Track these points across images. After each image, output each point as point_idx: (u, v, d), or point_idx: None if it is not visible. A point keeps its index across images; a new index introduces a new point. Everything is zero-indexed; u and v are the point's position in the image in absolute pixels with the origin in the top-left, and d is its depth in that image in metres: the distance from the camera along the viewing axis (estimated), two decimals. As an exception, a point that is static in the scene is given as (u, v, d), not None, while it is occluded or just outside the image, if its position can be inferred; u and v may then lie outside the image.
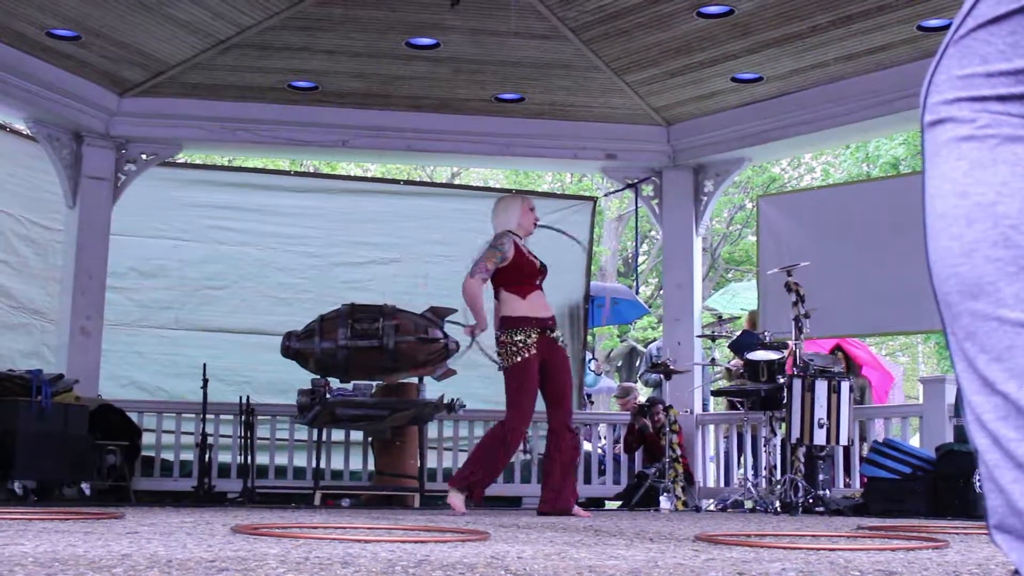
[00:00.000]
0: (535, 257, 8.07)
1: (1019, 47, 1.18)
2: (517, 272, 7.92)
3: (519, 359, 7.77)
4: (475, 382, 11.48)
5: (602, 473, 12.26)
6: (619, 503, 11.43)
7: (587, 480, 12.04)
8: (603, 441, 12.69)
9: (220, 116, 11.53)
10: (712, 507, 11.07)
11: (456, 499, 7.78)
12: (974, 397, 1.19)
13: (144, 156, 11.55)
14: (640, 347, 19.07)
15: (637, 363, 17.23)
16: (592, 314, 13.93)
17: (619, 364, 19.12)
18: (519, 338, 7.80)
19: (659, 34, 9.94)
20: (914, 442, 10.66)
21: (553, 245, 13.07)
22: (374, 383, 10.17)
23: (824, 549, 4.01)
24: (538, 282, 8.04)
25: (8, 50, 10.08)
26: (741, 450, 11.43)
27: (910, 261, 10.36)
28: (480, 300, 7.94)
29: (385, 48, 10.36)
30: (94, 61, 10.53)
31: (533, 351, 7.79)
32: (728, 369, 11.84)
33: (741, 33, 9.87)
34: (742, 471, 11.14)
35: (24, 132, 11.53)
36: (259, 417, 10.77)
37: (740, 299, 16.24)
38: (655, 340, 16.24)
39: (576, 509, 8.05)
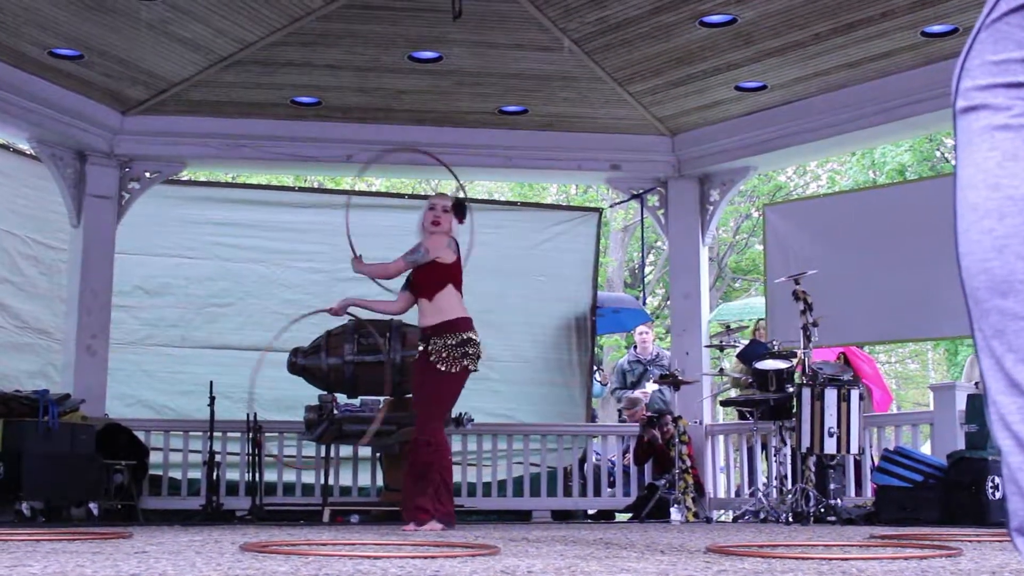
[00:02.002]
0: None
1: None
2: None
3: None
4: (481, 395, 11.48)
5: (612, 485, 12.23)
6: (629, 515, 11.41)
7: (597, 492, 12.03)
8: (613, 454, 12.67)
9: (223, 133, 11.55)
10: (727, 516, 11.05)
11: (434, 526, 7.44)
12: (999, 397, 1.17)
13: (148, 174, 11.57)
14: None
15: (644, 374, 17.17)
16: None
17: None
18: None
19: (662, 44, 9.94)
20: (925, 449, 10.63)
21: (556, 257, 13.14)
22: (381, 398, 10.16)
23: (837, 559, 4.00)
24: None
25: (11, 70, 10.10)
26: (752, 460, 11.41)
27: (919, 267, 10.36)
28: (383, 270, 8.00)
29: (388, 62, 10.37)
30: (97, 80, 10.55)
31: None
32: (735, 378, 11.82)
33: (744, 42, 9.87)
34: (765, 480, 11.10)
35: (28, 152, 11.55)
36: (267, 434, 10.77)
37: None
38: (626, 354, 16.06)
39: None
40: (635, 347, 13.93)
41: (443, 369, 7.59)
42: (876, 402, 11.98)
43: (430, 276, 7.75)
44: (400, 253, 7.91)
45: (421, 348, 7.75)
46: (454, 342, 7.63)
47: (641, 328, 14.13)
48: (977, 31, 1.22)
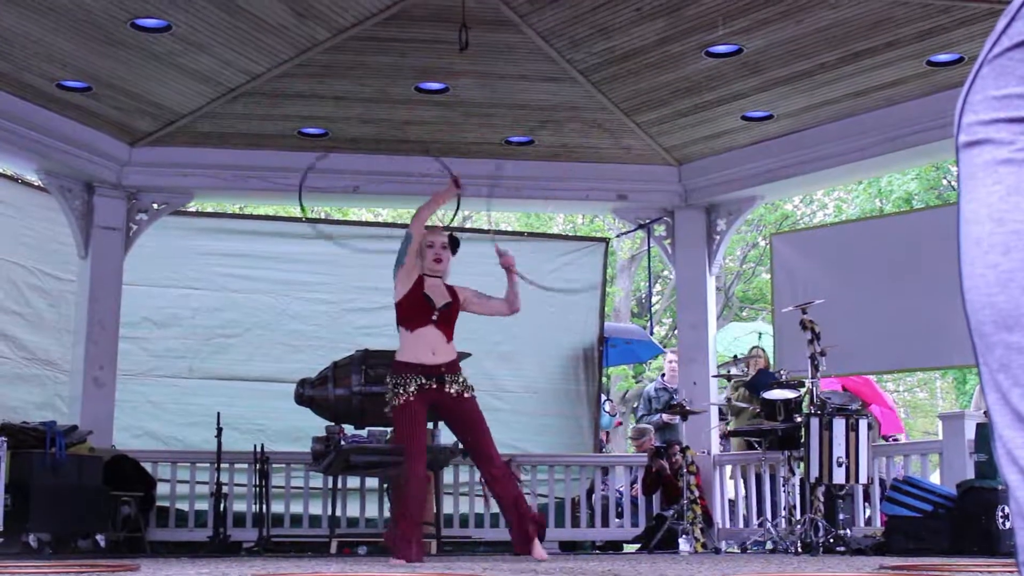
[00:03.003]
0: (438, 295, 7.72)
1: None
2: (406, 307, 7.66)
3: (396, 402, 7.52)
4: (491, 426, 11.43)
5: (620, 515, 12.21)
6: (638, 546, 11.38)
7: (605, 523, 12.00)
8: (621, 484, 12.64)
9: (231, 164, 11.58)
10: (736, 547, 11.01)
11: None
12: (1006, 431, 1.17)
13: (156, 205, 11.60)
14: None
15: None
16: (605, 354, 13.93)
17: (635, 405, 19.08)
18: (399, 381, 7.55)
19: (668, 74, 9.97)
20: (934, 479, 10.61)
21: (563, 287, 13.13)
22: (389, 429, 10.15)
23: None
24: (434, 319, 7.61)
25: (19, 102, 10.15)
26: (760, 490, 11.38)
27: (926, 296, 10.36)
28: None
29: (394, 93, 10.41)
30: (105, 112, 10.59)
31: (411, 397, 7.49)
32: (740, 407, 11.80)
33: (750, 72, 9.89)
34: (762, 512, 11.07)
35: (36, 183, 11.59)
36: (274, 465, 10.76)
37: (742, 341, 16.15)
38: (653, 380, 16.17)
39: (534, 548, 7.63)
40: (663, 375, 14.01)
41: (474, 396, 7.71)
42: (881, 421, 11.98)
43: (451, 316, 7.73)
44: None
45: (434, 386, 7.54)
46: (463, 377, 7.71)
47: (671, 356, 14.17)
48: (979, 66, 1.24)
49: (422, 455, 7.62)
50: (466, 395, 7.63)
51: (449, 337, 7.68)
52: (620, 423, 19.59)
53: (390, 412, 7.57)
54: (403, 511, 7.52)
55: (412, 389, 7.46)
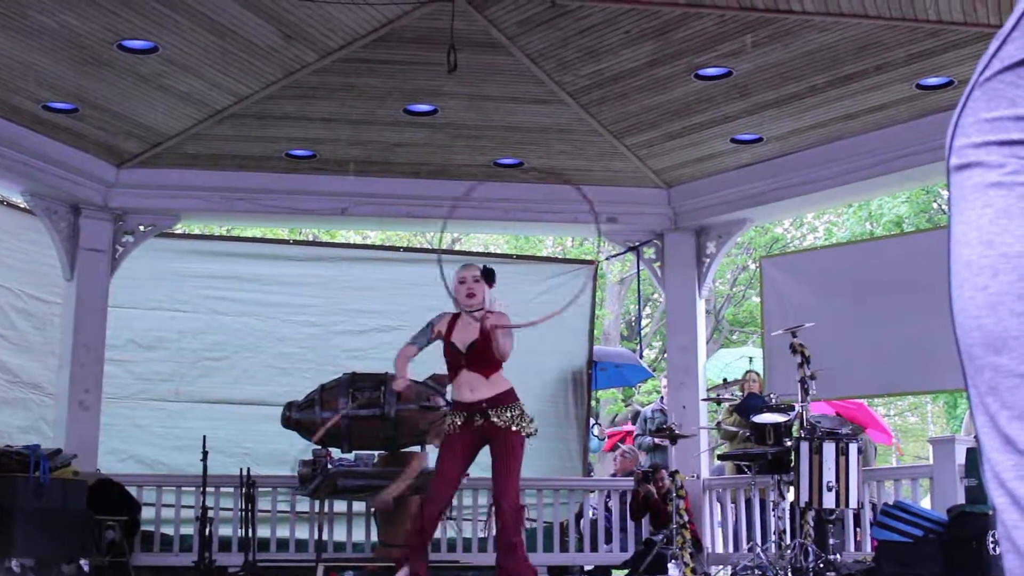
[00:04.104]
0: (464, 336, 7.85)
1: None
2: (446, 359, 7.96)
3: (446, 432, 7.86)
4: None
5: (608, 540, 12.18)
6: (626, 571, 11.35)
7: (594, 548, 11.97)
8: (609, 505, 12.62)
9: (218, 186, 11.57)
10: (725, 572, 11.00)
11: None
12: (994, 455, 1.17)
13: (142, 227, 11.58)
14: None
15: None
16: (595, 377, 13.93)
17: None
18: (447, 416, 7.97)
19: (657, 97, 9.99)
20: (925, 504, 10.60)
21: (552, 310, 13.10)
22: (376, 453, 10.13)
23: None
24: (463, 364, 7.81)
25: (4, 124, 10.13)
26: (750, 515, 11.37)
27: (917, 320, 10.36)
28: (399, 361, 7.97)
29: (383, 115, 10.42)
30: (91, 133, 10.58)
31: (455, 430, 7.77)
32: (729, 431, 11.80)
33: (740, 95, 9.92)
34: (752, 536, 11.06)
35: (21, 205, 11.57)
36: (260, 489, 10.73)
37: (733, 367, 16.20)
38: (650, 403, 16.28)
39: None
40: (661, 398, 14.08)
41: (524, 435, 7.84)
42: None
43: (480, 355, 7.80)
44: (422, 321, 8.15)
45: (481, 421, 7.73)
46: (519, 411, 7.86)
47: (665, 380, 14.25)
48: (971, 89, 1.24)
49: (446, 483, 7.87)
50: (513, 428, 7.76)
51: (487, 375, 7.83)
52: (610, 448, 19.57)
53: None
54: (416, 528, 7.88)
55: (458, 423, 7.75)
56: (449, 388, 8.10)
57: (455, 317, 7.93)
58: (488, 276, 7.97)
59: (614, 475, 13.93)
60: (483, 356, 7.79)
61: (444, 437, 7.86)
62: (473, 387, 7.77)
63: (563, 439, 13.35)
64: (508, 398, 7.85)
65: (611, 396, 25.60)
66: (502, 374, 7.94)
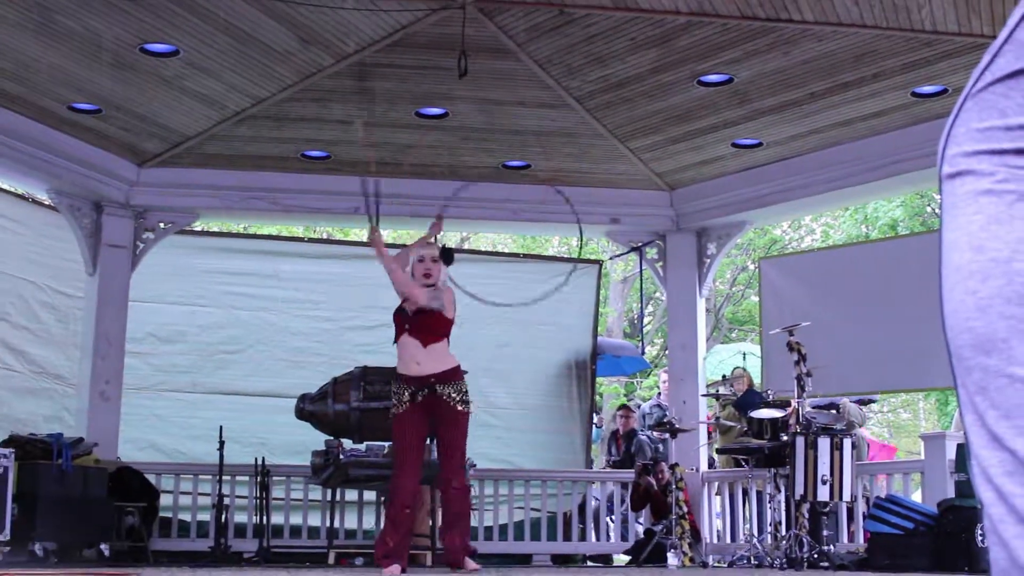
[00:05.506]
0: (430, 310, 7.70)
1: None
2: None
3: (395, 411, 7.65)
4: (484, 441, 11.46)
5: (611, 513, 12.20)
6: (627, 559, 11.36)
7: (596, 537, 11.99)
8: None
9: (236, 185, 11.59)
10: (723, 561, 11.01)
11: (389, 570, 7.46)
12: (981, 451, 1.18)
13: (162, 224, 11.60)
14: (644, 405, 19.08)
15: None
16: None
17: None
18: (395, 389, 7.69)
19: (661, 102, 10.00)
20: (916, 497, 10.60)
21: (558, 307, 13.14)
22: (386, 444, 10.14)
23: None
24: (407, 328, 7.68)
25: (31, 124, 10.16)
26: (746, 506, 11.37)
27: (911, 320, 10.36)
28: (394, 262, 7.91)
29: (395, 118, 10.43)
30: (114, 133, 10.61)
31: (404, 407, 7.58)
32: (728, 426, 11.80)
33: (740, 101, 9.92)
34: (748, 526, 11.07)
35: (45, 202, 11.60)
36: (274, 478, 10.75)
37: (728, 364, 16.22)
38: (648, 399, 16.32)
39: (466, 562, 7.75)
40: (660, 393, 14.11)
41: (469, 412, 7.68)
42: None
43: (436, 325, 7.71)
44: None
45: (425, 393, 7.60)
46: (465, 388, 7.71)
47: (664, 376, 14.27)
48: (963, 100, 1.25)
49: (410, 467, 7.65)
50: (459, 408, 7.64)
51: (426, 343, 7.65)
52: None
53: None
54: (389, 522, 7.67)
55: (406, 399, 7.58)
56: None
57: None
58: (447, 256, 7.93)
59: (615, 433, 14.01)
60: (428, 326, 7.69)
61: (397, 416, 7.62)
62: (417, 359, 7.61)
63: (567, 432, 13.36)
64: (454, 375, 7.72)
65: (614, 391, 25.61)
66: (447, 347, 7.79)
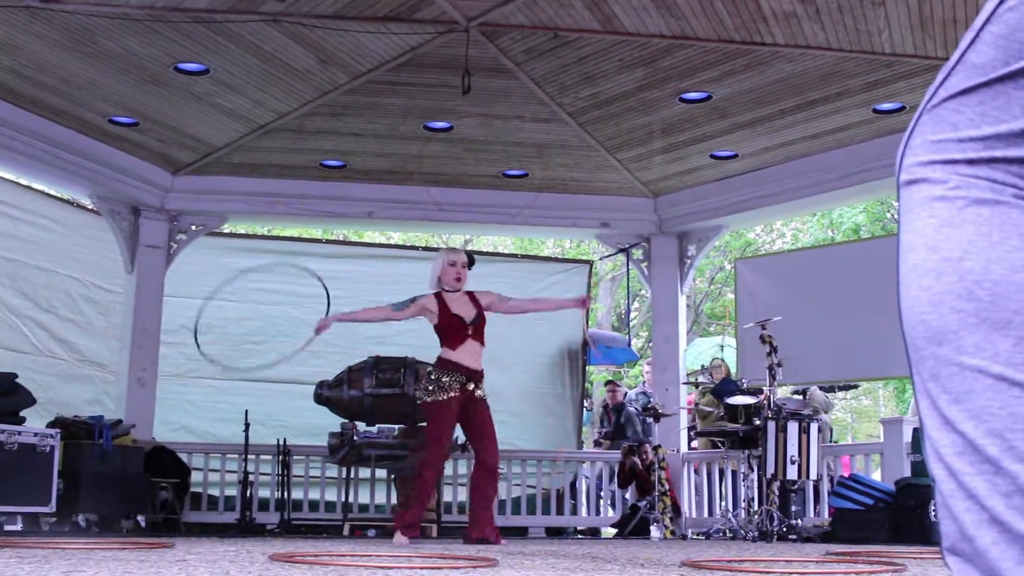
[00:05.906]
0: (466, 311, 7.69)
1: (986, 116, 1.19)
2: (443, 329, 7.65)
3: (439, 398, 7.49)
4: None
5: (600, 498, 12.19)
6: (614, 532, 11.36)
7: (586, 512, 11.99)
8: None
9: (260, 191, 11.58)
10: (700, 534, 11.00)
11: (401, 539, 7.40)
12: (934, 433, 1.18)
13: (194, 227, 11.59)
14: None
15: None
16: (589, 355, 14.01)
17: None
18: (444, 379, 7.51)
19: (646, 117, 9.99)
20: (876, 476, 10.60)
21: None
22: (396, 426, 10.15)
23: (797, 573, 3.98)
24: (470, 334, 7.62)
25: (75, 135, 10.16)
26: (722, 484, 11.37)
27: (872, 315, 10.36)
28: (370, 310, 8.09)
29: (405, 131, 10.42)
30: (150, 144, 10.60)
31: (453, 394, 7.49)
32: (706, 411, 11.80)
33: (718, 116, 9.91)
34: (724, 502, 11.06)
35: (88, 207, 11.60)
36: (295, 457, 10.76)
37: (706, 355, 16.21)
38: (634, 387, 16.30)
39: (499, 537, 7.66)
40: (644, 382, 14.12)
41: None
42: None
43: (482, 326, 7.71)
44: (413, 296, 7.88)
45: (472, 388, 7.58)
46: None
47: (647, 367, 14.28)
48: (919, 115, 1.26)
49: (444, 448, 7.65)
50: (487, 400, 7.71)
51: (483, 345, 7.72)
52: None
53: (423, 403, 7.54)
54: (418, 495, 7.57)
55: (456, 388, 7.51)
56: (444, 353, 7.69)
57: (438, 296, 7.77)
58: (471, 263, 7.94)
59: (606, 407, 14.02)
60: (482, 329, 7.71)
61: (442, 402, 7.49)
62: (476, 356, 7.63)
63: (560, 416, 13.37)
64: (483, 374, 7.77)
65: (603, 379, 25.59)
66: None
